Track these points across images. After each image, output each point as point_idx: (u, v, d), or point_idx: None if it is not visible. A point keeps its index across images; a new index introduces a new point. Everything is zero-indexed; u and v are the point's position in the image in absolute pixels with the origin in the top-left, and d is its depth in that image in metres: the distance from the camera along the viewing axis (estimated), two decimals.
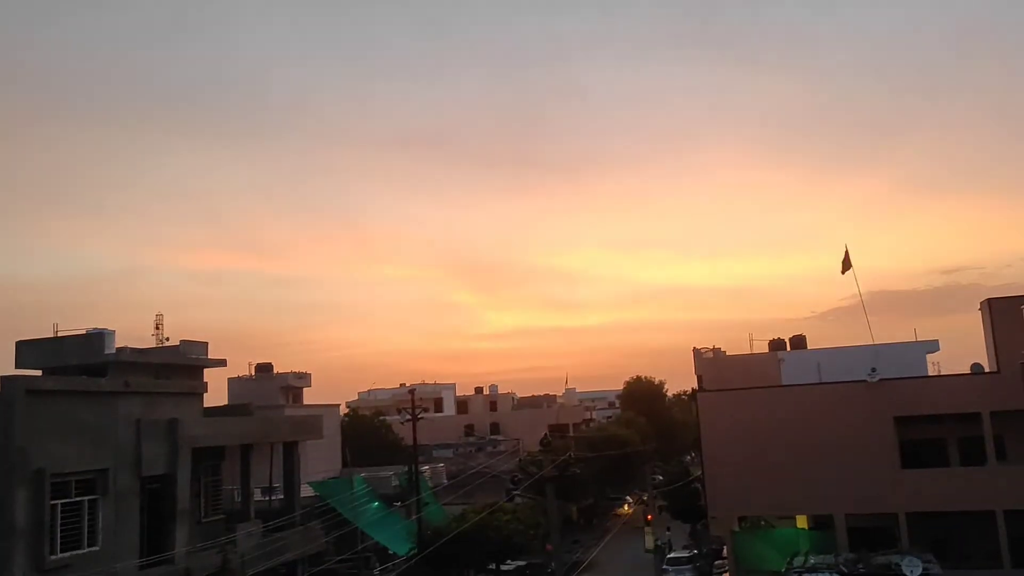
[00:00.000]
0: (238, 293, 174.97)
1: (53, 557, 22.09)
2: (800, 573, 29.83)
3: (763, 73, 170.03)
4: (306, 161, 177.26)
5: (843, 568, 29.75)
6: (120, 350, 30.52)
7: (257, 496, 34.60)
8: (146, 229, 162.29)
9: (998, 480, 31.34)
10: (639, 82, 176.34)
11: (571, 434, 72.87)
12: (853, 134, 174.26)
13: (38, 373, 28.90)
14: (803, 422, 33.68)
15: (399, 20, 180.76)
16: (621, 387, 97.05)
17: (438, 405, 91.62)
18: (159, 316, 37.04)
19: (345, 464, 53.96)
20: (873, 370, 33.45)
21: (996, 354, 32.81)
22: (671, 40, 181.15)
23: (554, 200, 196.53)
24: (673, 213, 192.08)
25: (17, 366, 29.76)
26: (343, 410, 69.52)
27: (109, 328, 30.60)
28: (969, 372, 35.00)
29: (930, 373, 37.61)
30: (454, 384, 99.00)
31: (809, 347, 43.79)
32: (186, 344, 33.63)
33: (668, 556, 45.67)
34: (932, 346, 38.54)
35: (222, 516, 31.15)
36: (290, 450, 34.02)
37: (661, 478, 58.81)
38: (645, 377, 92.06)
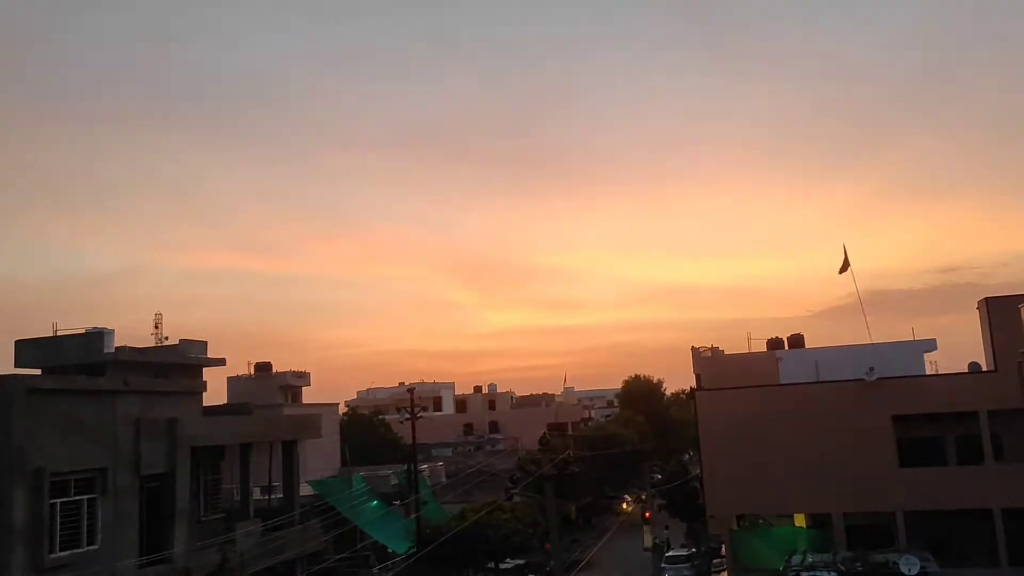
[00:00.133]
0: (237, 292, 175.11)
1: (52, 556, 22.10)
2: (798, 572, 29.91)
3: (760, 74, 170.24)
4: (305, 161, 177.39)
5: (841, 566, 29.83)
6: (119, 349, 30.62)
7: (256, 495, 34.65)
8: (145, 229, 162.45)
9: (995, 479, 31.42)
10: (638, 83, 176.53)
11: (570, 433, 73.03)
12: (850, 134, 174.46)
13: (37, 372, 28.96)
14: (801, 421, 33.75)
15: (399, 20, 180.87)
16: (620, 386, 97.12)
17: (437, 404, 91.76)
18: (158, 315, 37.14)
19: (344, 463, 54.05)
20: (871, 369, 33.51)
21: (993, 353, 32.88)
22: (670, 42, 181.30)
23: (553, 200, 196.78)
24: (671, 213, 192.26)
25: (16, 365, 29.85)
26: (342, 409, 69.65)
27: (108, 327, 30.75)
28: (966, 371, 35.06)
29: (928, 372, 37.67)
30: (453, 383, 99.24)
31: (807, 346, 43.84)
32: (185, 343, 33.71)
33: (666, 555, 45.74)
34: (929, 345, 38.60)
35: (221, 515, 31.19)
36: (289, 449, 34.06)
37: (660, 477, 58.89)
38: (643, 376, 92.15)
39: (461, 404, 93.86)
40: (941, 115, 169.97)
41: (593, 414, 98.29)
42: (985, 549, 31.24)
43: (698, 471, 40.47)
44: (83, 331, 30.69)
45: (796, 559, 31.18)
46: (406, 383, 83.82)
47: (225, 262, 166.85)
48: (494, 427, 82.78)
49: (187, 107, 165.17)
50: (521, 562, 43.88)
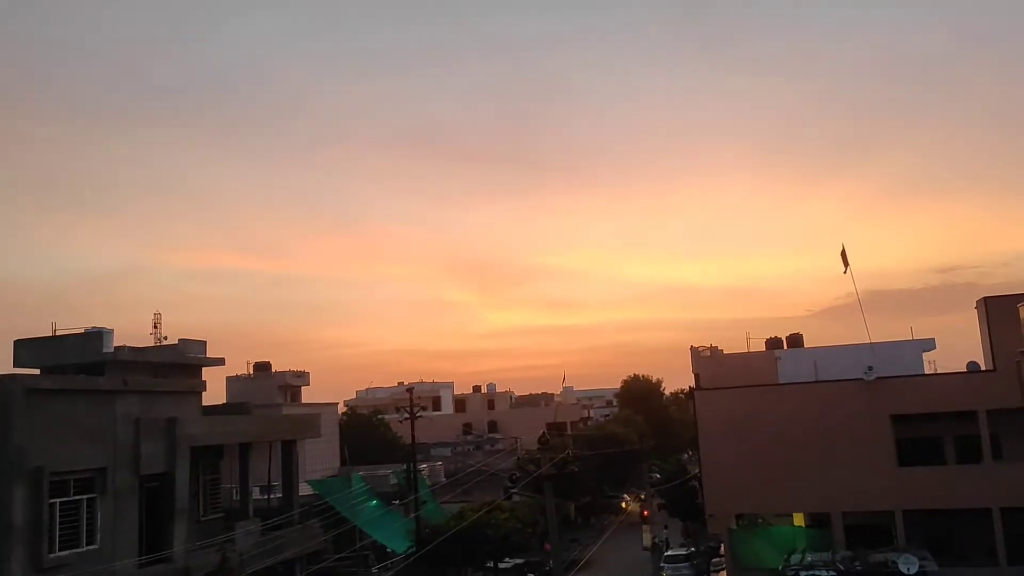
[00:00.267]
0: (236, 292, 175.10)
1: (52, 555, 22.10)
2: (797, 571, 29.96)
3: (759, 73, 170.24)
4: (304, 160, 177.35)
5: (840, 566, 29.87)
6: (119, 349, 30.58)
7: (256, 494, 34.64)
8: (144, 228, 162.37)
9: (994, 478, 31.44)
10: (637, 83, 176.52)
11: (569, 432, 73.00)
12: (850, 133, 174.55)
13: (36, 372, 28.94)
14: (800, 420, 33.76)
15: (398, 19, 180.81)
16: (619, 386, 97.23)
17: (436, 404, 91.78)
18: (157, 315, 37.16)
19: (343, 463, 54.07)
20: (870, 368, 33.52)
21: (992, 353, 32.91)
22: (670, 40, 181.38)
23: (552, 199, 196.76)
24: (670, 212, 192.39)
25: (15, 365, 29.81)
26: (341, 409, 69.68)
27: (107, 327, 30.70)
28: (965, 371, 35.08)
29: (926, 371, 37.70)
30: (452, 383, 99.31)
31: (806, 345, 43.85)
32: (184, 343, 33.68)
33: (665, 554, 45.78)
34: (928, 344, 38.63)
35: (221, 514, 31.19)
36: (288, 449, 34.06)
37: (659, 476, 58.92)
38: (642, 376, 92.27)
39: (460, 404, 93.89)
40: (941, 114, 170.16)
41: (592, 414, 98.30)
42: (984, 548, 31.27)
43: (697, 470, 40.50)
44: (82, 331, 30.66)
45: (795, 558, 31.22)
46: (405, 383, 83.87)
47: (224, 262, 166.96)
48: (493, 427, 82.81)
49: (185, 106, 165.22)
50: (520, 561, 43.91)
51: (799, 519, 35.26)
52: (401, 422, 43.84)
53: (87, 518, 23.54)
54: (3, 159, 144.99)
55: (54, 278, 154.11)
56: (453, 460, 63.19)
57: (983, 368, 34.14)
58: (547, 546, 41.72)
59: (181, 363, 32.86)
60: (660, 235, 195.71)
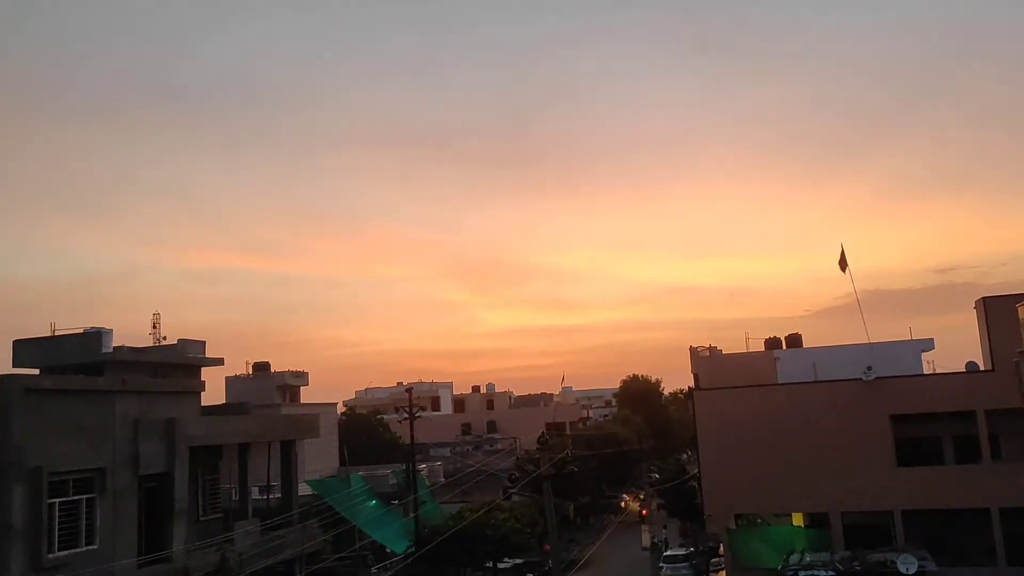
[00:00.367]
0: (236, 292, 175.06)
1: (51, 556, 22.08)
2: (796, 571, 29.98)
3: (758, 74, 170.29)
4: (303, 160, 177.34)
5: (839, 566, 29.90)
6: (118, 349, 30.57)
7: (255, 495, 34.62)
8: (143, 228, 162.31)
9: (993, 478, 31.49)
10: (636, 83, 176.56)
11: (568, 432, 73.00)
12: (848, 133, 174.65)
13: (36, 372, 28.94)
14: (799, 420, 33.80)
15: (396, 20, 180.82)
16: (618, 386, 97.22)
17: (435, 404, 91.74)
18: (156, 315, 37.10)
19: (343, 463, 53.97)
20: (869, 368, 33.56)
21: (991, 352, 32.95)
22: (669, 41, 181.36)
23: (551, 200, 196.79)
24: (670, 213, 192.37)
25: (14, 365, 29.81)
26: (340, 409, 69.62)
27: (106, 327, 30.69)
28: (964, 371, 35.12)
29: (925, 371, 37.72)
30: (451, 383, 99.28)
31: (805, 346, 43.87)
32: (183, 343, 33.67)
33: (664, 554, 45.77)
34: (927, 344, 38.65)
35: (220, 515, 31.18)
36: (288, 449, 34.06)
37: (658, 476, 58.91)
38: (642, 376, 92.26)
39: (459, 404, 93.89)
40: (939, 115, 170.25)
41: (591, 414, 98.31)
42: (983, 548, 31.31)
43: (696, 470, 40.51)
44: (81, 331, 30.65)
45: (794, 558, 31.24)
46: (404, 383, 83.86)
47: (223, 262, 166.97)
48: (492, 427, 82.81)
49: (186, 106, 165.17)
50: (519, 561, 43.88)
51: (798, 519, 35.30)
52: (400, 422, 43.83)
53: (86, 518, 23.52)
54: (3, 159, 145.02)
55: (52, 278, 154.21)
56: (452, 460, 63.14)
57: (982, 368, 34.19)
58: (547, 547, 41.71)
59: (180, 363, 32.85)
60: (659, 235, 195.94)
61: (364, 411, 75.14)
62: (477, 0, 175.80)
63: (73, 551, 22.87)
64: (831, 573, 29.46)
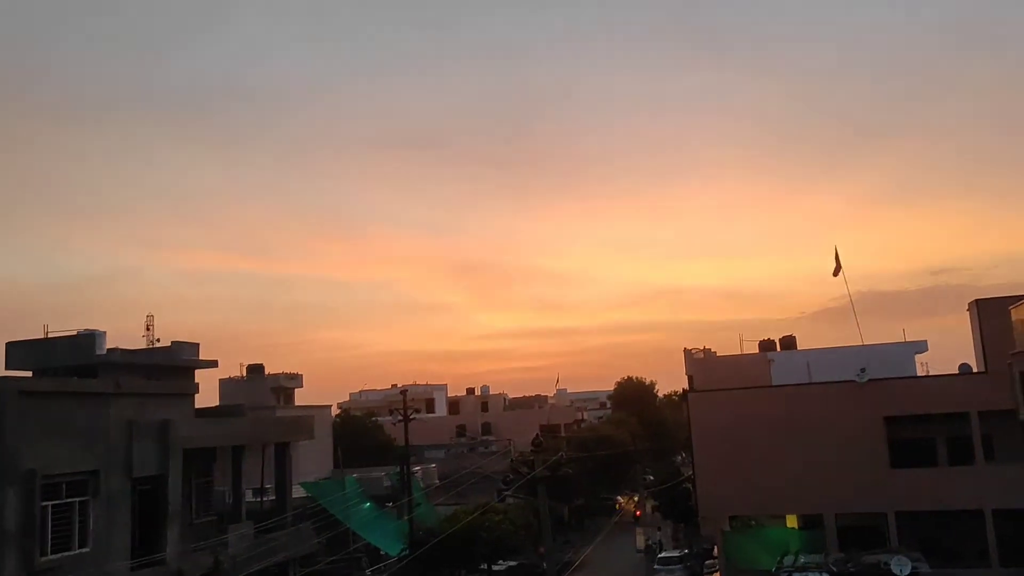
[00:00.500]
0: (229, 294, 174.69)
1: (43, 559, 21.98)
2: (790, 572, 30.01)
3: (753, 76, 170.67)
4: (297, 161, 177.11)
5: (833, 567, 29.94)
6: (111, 351, 30.47)
7: (249, 497, 34.52)
8: (137, 230, 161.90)
9: (986, 479, 31.57)
10: (631, 84, 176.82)
11: (562, 434, 72.99)
12: (843, 136, 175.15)
13: (29, 374, 28.83)
14: (793, 422, 33.86)
15: (392, 20, 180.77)
16: (612, 388, 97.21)
17: (430, 406, 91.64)
18: (150, 317, 36.98)
19: (337, 465, 53.91)
20: (862, 370, 33.65)
21: (984, 354, 33.05)
22: (665, 42, 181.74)
23: (545, 201, 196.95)
24: (664, 215, 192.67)
25: (7, 367, 29.70)
26: (335, 411, 69.49)
27: (100, 329, 30.58)
28: (957, 372, 35.22)
29: (919, 373, 37.86)
30: (445, 385, 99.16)
31: (799, 347, 43.99)
32: (177, 345, 33.57)
33: (659, 556, 45.80)
34: (920, 346, 38.80)
35: (214, 517, 31.08)
36: (282, 451, 33.99)
37: (652, 478, 58.93)
38: (636, 378, 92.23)
39: (454, 406, 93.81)
40: (933, 118, 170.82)
41: (586, 416, 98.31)
42: (976, 549, 31.38)
43: (690, 472, 40.56)
44: (74, 333, 30.54)
45: (788, 560, 31.28)
46: (399, 385, 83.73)
47: (217, 263, 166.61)
48: (487, 429, 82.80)
49: (178, 107, 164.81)
50: (514, 564, 43.86)
51: (792, 521, 35.33)
52: (395, 424, 43.87)
53: (79, 521, 23.41)
54: None
55: (45, 279, 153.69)
56: (447, 462, 63.10)
57: (975, 370, 34.31)
58: (541, 549, 41.66)
59: (174, 365, 32.76)
60: (654, 237, 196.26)
61: (358, 413, 75.04)
62: (476, 3, 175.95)
63: (66, 554, 22.77)
64: (825, 575, 29.49)
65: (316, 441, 42.16)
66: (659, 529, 54.42)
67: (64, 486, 23.11)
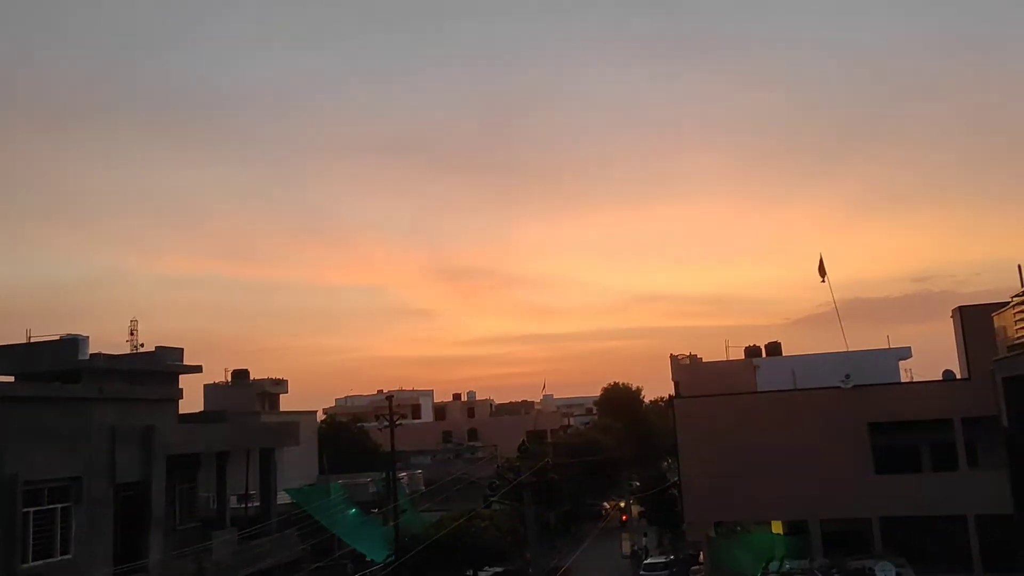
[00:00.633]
0: (214, 299, 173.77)
1: (25, 566, 21.80)
2: None
3: (738, 82, 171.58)
4: (283, 166, 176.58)
5: (818, 572, 30.07)
6: (94, 356, 30.27)
7: (233, 503, 34.36)
8: (121, 234, 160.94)
9: (969, 485, 31.76)
10: (618, 89, 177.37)
11: (549, 440, 73.03)
12: (827, 143, 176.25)
13: (11, 379, 28.57)
14: (778, 428, 33.97)
15: (378, 25, 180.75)
16: (598, 393, 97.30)
17: (416, 412, 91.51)
18: (134, 322, 36.82)
19: (322, 471, 53.71)
20: (847, 377, 33.83)
21: (967, 361, 33.27)
22: (650, 48, 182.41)
23: (532, 208, 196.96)
24: (650, 221, 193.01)
25: None
26: (320, 417, 69.23)
27: (83, 334, 30.36)
28: (941, 379, 35.46)
29: (903, 380, 38.06)
30: (432, 391, 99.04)
31: (784, 354, 44.11)
32: (161, 350, 33.39)
33: (645, 562, 45.88)
34: (904, 353, 39.01)
35: (197, 523, 30.92)
36: (266, 457, 33.85)
37: (638, 484, 59.02)
38: (622, 383, 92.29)
39: (440, 412, 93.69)
40: (916, 126, 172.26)
41: (572, 422, 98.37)
42: (960, 555, 31.55)
43: (676, 478, 40.63)
44: (57, 338, 30.32)
45: (774, 565, 31.39)
46: (385, 390, 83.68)
47: (202, 268, 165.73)
48: (473, 435, 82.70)
49: (164, 111, 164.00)
50: (500, 570, 43.82)
51: (777, 526, 35.44)
52: (380, 430, 43.74)
53: (61, 527, 23.24)
54: None
55: (27, 284, 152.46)
56: (433, 468, 63.01)
57: (958, 376, 34.52)
58: (527, 555, 41.69)
59: (158, 371, 32.57)
60: (640, 243, 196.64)
61: (344, 419, 74.83)
62: (459, 8, 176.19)
63: (48, 561, 22.59)
64: None
65: (301, 447, 41.98)
66: (645, 535, 54.53)
67: (46, 492, 22.93)
